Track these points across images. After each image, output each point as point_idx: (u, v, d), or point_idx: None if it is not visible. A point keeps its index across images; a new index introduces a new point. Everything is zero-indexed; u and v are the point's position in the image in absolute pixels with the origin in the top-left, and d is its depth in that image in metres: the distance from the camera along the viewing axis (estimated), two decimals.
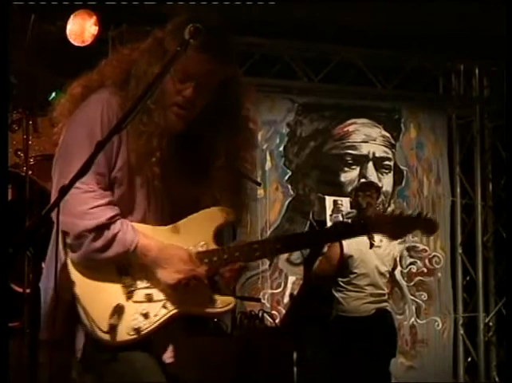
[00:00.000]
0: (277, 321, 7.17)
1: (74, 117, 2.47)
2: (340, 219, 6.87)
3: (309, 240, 2.76)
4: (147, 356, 2.42)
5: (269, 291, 7.47)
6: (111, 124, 2.31)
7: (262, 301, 7.27)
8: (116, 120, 2.30)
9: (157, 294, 2.43)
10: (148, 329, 2.40)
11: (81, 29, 6.06)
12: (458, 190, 8.19)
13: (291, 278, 7.48)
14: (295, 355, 6.25)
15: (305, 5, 6.65)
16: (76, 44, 6.06)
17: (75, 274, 2.39)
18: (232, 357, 5.74)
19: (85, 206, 2.34)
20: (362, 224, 2.67)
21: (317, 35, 7.15)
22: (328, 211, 7.03)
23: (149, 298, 2.42)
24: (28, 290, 4.66)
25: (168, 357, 2.48)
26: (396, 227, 2.67)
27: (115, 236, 2.35)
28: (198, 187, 2.54)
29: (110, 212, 2.37)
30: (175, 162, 2.49)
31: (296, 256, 7.50)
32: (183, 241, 2.48)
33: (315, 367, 6.19)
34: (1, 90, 2.88)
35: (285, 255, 7.53)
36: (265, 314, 6.88)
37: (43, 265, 2.51)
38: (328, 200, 7.11)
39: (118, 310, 2.36)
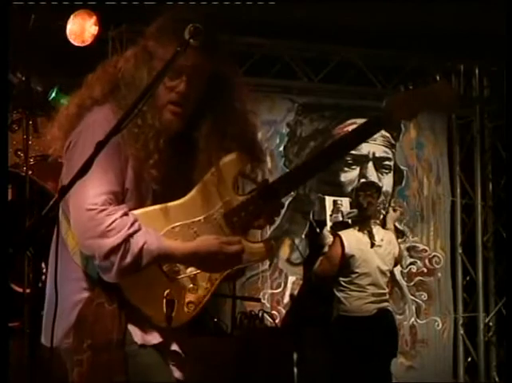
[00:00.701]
0: (277, 321, 7.18)
1: (79, 145, 2.41)
2: (340, 219, 6.88)
3: (331, 155, 2.56)
4: (154, 352, 2.43)
5: (269, 291, 7.47)
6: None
7: (262, 301, 7.27)
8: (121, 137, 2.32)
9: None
10: (202, 303, 2.45)
11: (81, 29, 6.06)
12: (458, 190, 8.19)
13: (291, 278, 7.48)
14: (295, 355, 6.25)
15: (305, 5, 6.65)
16: (76, 44, 6.06)
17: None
18: (232, 357, 5.75)
19: (104, 224, 2.31)
20: (381, 117, 2.54)
21: (317, 35, 7.15)
22: (328, 212, 7.04)
23: (193, 276, 2.45)
24: (28, 290, 4.67)
25: (176, 346, 2.48)
26: (412, 106, 2.49)
27: (141, 249, 2.33)
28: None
29: (128, 221, 2.35)
30: (176, 163, 2.47)
31: (296, 256, 7.51)
32: (206, 207, 2.47)
33: (316, 367, 6.19)
34: (1, 90, 2.88)
35: (286, 255, 7.54)
36: (265, 314, 6.89)
37: (43, 265, 2.52)
38: (328, 200, 7.11)
39: (169, 298, 2.38)
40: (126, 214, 2.36)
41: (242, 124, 2.54)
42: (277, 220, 7.57)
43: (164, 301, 2.38)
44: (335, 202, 7.07)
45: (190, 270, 2.45)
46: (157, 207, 2.43)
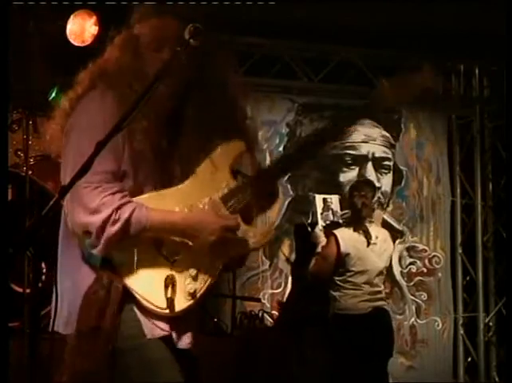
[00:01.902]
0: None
1: (74, 127, 2.47)
2: (331, 217, 6.86)
3: (325, 136, 2.57)
4: (164, 348, 2.42)
5: (269, 291, 7.47)
6: (112, 120, 2.32)
7: (262, 301, 7.27)
8: (114, 116, 2.33)
9: (201, 255, 2.44)
10: (203, 290, 2.43)
11: (81, 29, 6.06)
12: (458, 190, 8.19)
13: (291, 278, 7.47)
14: (295, 355, 6.25)
15: (305, 5, 6.65)
16: (76, 44, 6.05)
17: (121, 268, 2.40)
18: (232, 357, 5.74)
19: (97, 199, 2.36)
20: (370, 103, 2.62)
21: (317, 35, 7.15)
22: (319, 210, 7.01)
23: (194, 260, 2.43)
24: (28, 290, 4.67)
25: (187, 343, 2.47)
26: (400, 92, 2.60)
27: (130, 216, 2.36)
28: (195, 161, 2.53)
29: (120, 195, 2.39)
30: (169, 138, 2.49)
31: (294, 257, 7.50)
32: (204, 192, 2.48)
33: (315, 366, 6.19)
34: (1, 90, 2.88)
35: (286, 255, 7.54)
36: (265, 314, 6.89)
37: (43, 265, 2.53)
38: (318, 198, 7.09)
39: (170, 282, 2.38)
40: (119, 191, 2.40)
41: (232, 110, 2.56)
42: (276, 222, 7.57)
43: (164, 284, 2.38)
44: (325, 200, 7.05)
45: (191, 255, 2.43)
46: (156, 192, 2.46)
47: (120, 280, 2.39)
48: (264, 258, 7.51)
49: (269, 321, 6.94)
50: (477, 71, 8.19)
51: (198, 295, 2.42)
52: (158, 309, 2.38)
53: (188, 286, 2.41)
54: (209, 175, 2.50)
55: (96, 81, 2.50)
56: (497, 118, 7.98)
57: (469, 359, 8.03)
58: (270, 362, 5.91)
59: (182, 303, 2.40)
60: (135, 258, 2.40)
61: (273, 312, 7.22)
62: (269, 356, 5.97)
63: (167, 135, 2.50)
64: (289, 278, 7.46)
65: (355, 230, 5.81)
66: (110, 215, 2.35)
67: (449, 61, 8.04)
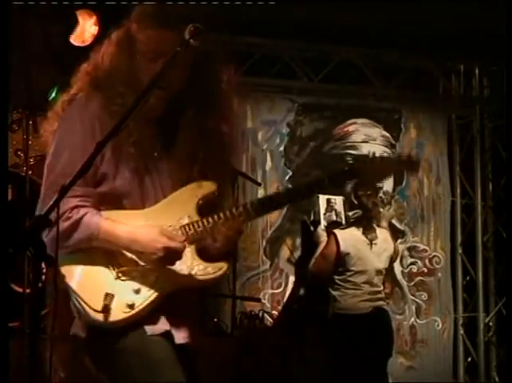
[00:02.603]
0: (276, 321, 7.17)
1: (58, 130, 2.51)
2: (334, 217, 6.86)
3: (292, 195, 2.69)
4: (165, 345, 2.42)
5: (270, 291, 7.47)
6: (93, 125, 2.41)
7: (262, 301, 7.27)
8: (97, 120, 2.41)
9: (148, 271, 2.44)
10: (143, 305, 2.40)
11: (81, 29, 6.06)
12: (458, 190, 8.19)
13: (292, 278, 7.47)
14: (295, 355, 6.25)
15: (305, 5, 6.65)
16: (76, 44, 6.05)
17: (64, 268, 2.43)
18: (232, 357, 5.74)
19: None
20: (348, 172, 2.69)
21: (317, 35, 7.16)
22: (322, 210, 7.02)
23: (140, 275, 2.43)
24: (28, 290, 4.67)
25: (184, 336, 2.48)
26: (378, 171, 2.68)
27: (80, 219, 2.40)
28: (185, 167, 2.54)
29: (81, 198, 2.42)
30: (158, 143, 2.50)
31: (297, 256, 7.50)
32: (166, 218, 2.48)
33: (316, 366, 6.19)
34: (1, 90, 2.88)
35: (286, 255, 7.54)
36: (265, 314, 6.88)
37: (43, 265, 2.55)
38: (322, 199, 7.10)
39: (110, 291, 2.38)
40: (81, 195, 2.42)
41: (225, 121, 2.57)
42: (278, 222, 7.58)
43: (104, 290, 2.38)
44: (328, 200, 7.06)
45: (138, 269, 2.43)
46: (124, 211, 2.47)
47: (64, 280, 2.41)
48: (264, 258, 7.51)
49: (269, 321, 6.94)
50: (477, 71, 8.19)
51: (136, 309, 2.40)
52: (92, 314, 2.37)
53: (127, 299, 2.39)
54: (179, 202, 2.51)
55: (86, 84, 2.51)
56: (497, 118, 7.98)
57: (469, 359, 8.03)
58: (270, 362, 5.91)
59: (118, 314, 2.38)
60: (82, 262, 2.43)
61: (274, 312, 7.22)
62: (269, 356, 5.97)
63: (158, 138, 2.50)
64: (290, 278, 7.46)
65: (365, 230, 5.80)
66: (64, 212, 2.38)
67: (449, 61, 8.05)
